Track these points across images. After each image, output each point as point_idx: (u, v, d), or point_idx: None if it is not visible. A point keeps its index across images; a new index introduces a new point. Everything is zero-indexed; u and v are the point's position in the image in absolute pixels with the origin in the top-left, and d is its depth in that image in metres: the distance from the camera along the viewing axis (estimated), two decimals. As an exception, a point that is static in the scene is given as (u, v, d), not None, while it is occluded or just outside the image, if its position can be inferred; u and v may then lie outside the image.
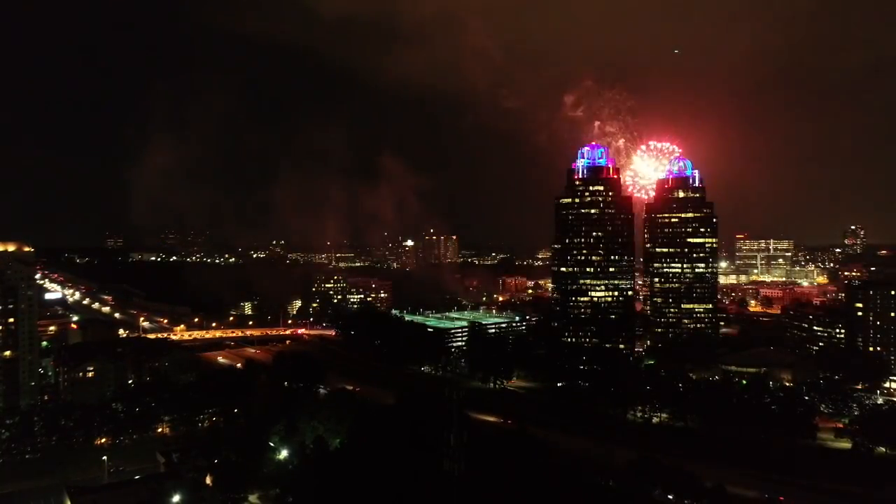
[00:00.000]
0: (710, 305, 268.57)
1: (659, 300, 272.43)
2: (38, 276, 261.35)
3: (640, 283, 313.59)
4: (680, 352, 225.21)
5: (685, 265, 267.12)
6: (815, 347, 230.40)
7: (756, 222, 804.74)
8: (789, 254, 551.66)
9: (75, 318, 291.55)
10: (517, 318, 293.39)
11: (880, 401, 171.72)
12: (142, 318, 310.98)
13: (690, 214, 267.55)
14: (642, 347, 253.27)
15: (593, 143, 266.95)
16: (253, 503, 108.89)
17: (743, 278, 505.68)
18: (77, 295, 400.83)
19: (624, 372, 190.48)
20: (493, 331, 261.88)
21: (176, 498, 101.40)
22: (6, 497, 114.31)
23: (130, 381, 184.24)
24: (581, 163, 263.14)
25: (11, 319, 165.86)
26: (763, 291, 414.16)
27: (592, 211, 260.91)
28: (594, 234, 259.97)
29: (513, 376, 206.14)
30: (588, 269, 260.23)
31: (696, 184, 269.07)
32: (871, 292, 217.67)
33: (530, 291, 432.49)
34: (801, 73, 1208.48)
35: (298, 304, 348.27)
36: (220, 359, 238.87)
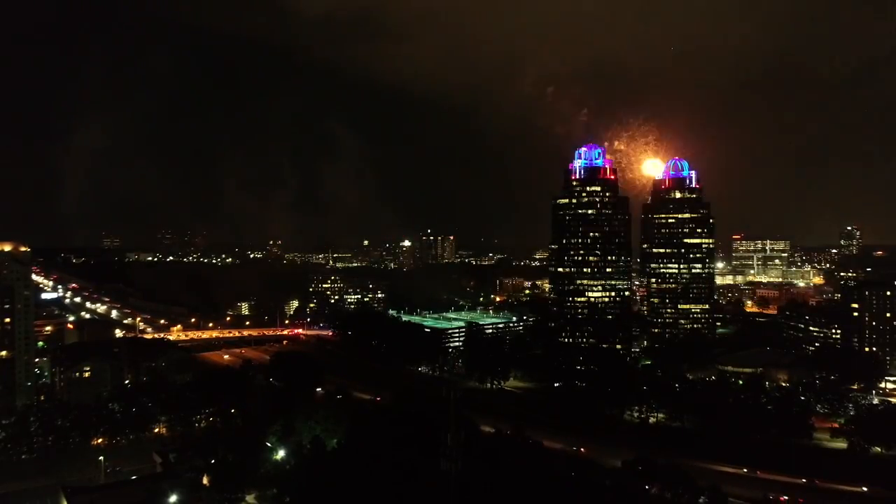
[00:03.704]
0: (707, 306, 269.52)
1: (656, 300, 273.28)
2: (34, 275, 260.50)
3: (637, 283, 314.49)
4: (677, 352, 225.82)
5: (682, 265, 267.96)
6: (811, 348, 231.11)
7: (753, 223, 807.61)
8: (786, 254, 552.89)
9: (72, 318, 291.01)
10: (514, 319, 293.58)
11: (876, 401, 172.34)
12: (138, 318, 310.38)
13: (687, 215, 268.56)
14: (639, 348, 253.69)
15: (591, 143, 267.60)
16: (250, 503, 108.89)
17: (739, 279, 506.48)
18: (74, 295, 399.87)
19: (621, 372, 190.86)
20: (491, 331, 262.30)
21: (173, 498, 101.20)
22: (2, 497, 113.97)
23: (127, 381, 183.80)
24: (578, 163, 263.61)
25: (7, 319, 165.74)
26: (759, 292, 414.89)
27: (589, 211, 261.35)
28: (591, 234, 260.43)
29: (510, 376, 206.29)
30: (585, 270, 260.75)
31: (693, 184, 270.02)
32: (866, 293, 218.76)
33: (527, 292, 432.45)
34: (797, 73, 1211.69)
35: (295, 304, 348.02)
36: (217, 359, 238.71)
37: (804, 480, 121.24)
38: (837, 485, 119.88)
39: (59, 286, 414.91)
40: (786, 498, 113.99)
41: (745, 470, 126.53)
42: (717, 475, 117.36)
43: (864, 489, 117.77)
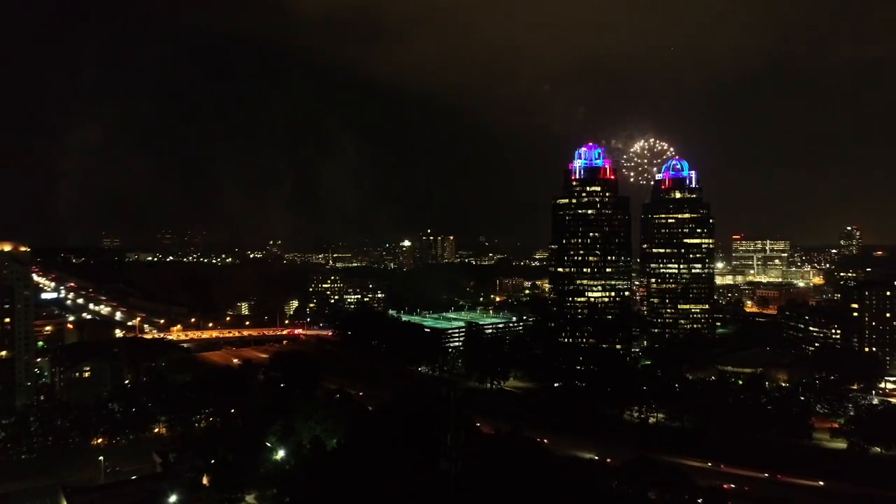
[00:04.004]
0: (707, 306, 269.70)
1: (656, 300, 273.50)
2: (34, 275, 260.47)
3: (637, 283, 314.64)
4: (676, 352, 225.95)
5: (682, 266, 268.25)
6: (811, 348, 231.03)
7: (753, 223, 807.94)
8: (785, 254, 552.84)
9: (71, 318, 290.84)
10: (514, 319, 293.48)
11: (875, 401, 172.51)
12: (138, 318, 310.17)
13: (687, 215, 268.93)
14: (639, 348, 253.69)
15: (591, 143, 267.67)
16: (250, 503, 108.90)
17: (739, 279, 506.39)
18: (73, 295, 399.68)
19: (621, 372, 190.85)
20: (490, 331, 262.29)
21: (172, 498, 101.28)
22: (1, 498, 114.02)
23: (127, 381, 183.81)
24: (578, 163, 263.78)
25: (7, 319, 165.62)
26: (759, 292, 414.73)
27: (589, 212, 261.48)
28: (591, 234, 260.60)
29: (509, 376, 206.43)
30: (585, 270, 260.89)
31: (693, 184, 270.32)
32: (866, 293, 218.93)
33: (527, 292, 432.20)
34: (796, 72, 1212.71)
35: (295, 304, 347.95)
36: (217, 359, 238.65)
37: (766, 475, 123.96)
38: (797, 479, 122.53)
39: (60, 286, 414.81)
40: (732, 486, 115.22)
41: (710, 464, 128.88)
42: (684, 468, 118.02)
43: (821, 483, 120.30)
